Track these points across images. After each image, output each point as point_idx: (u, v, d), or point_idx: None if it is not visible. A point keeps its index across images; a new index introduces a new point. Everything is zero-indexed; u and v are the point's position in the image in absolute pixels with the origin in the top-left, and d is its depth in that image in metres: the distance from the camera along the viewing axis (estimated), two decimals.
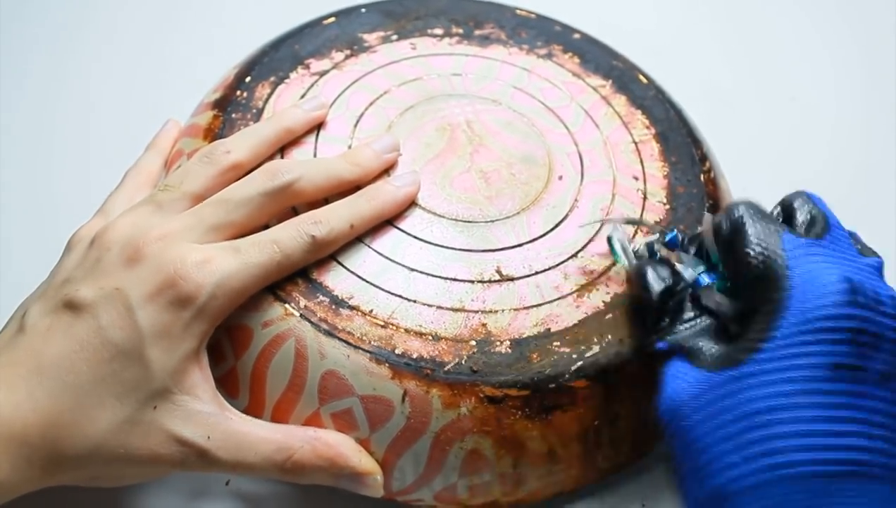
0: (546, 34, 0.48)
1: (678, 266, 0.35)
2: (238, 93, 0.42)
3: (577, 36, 0.48)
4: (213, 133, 0.41)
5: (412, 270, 0.37)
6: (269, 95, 0.42)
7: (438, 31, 0.47)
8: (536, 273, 0.38)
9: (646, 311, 0.35)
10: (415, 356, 0.35)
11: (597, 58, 0.47)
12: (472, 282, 0.37)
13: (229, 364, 0.36)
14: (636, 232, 0.40)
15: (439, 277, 0.37)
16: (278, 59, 0.44)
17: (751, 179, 0.50)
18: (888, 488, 0.30)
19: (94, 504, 0.37)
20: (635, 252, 0.37)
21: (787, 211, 0.35)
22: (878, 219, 0.51)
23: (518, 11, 0.49)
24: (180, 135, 0.42)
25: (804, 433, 0.29)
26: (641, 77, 0.47)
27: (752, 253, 0.32)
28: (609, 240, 0.38)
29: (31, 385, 0.32)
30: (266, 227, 0.36)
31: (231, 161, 0.37)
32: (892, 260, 0.47)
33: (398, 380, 0.35)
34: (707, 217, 0.35)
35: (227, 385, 0.36)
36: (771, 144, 0.54)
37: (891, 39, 0.60)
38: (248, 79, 0.43)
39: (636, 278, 0.36)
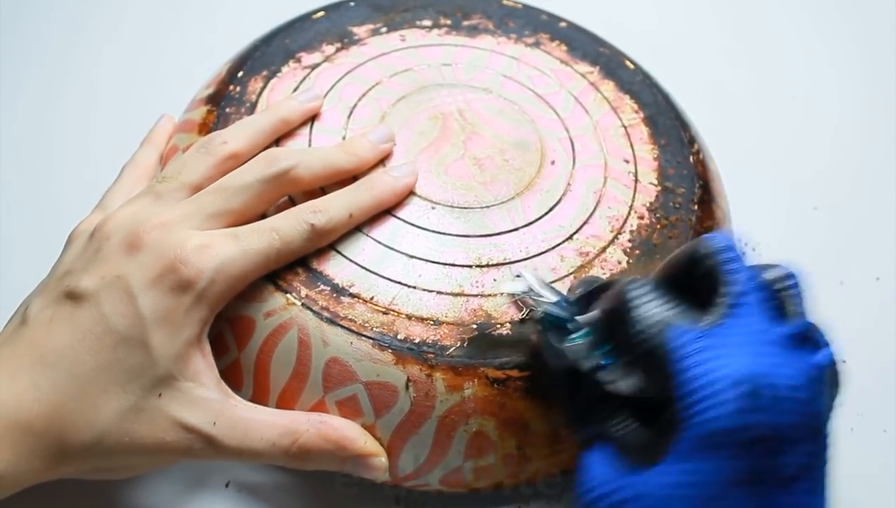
0: (533, 23, 0.49)
1: (574, 348, 0.32)
2: (231, 87, 0.43)
3: (563, 24, 0.49)
4: (208, 128, 0.41)
5: (411, 257, 0.38)
6: (262, 89, 0.43)
7: (427, 22, 0.47)
8: (533, 256, 0.39)
9: (555, 394, 0.34)
10: (417, 340, 0.35)
11: (584, 45, 0.48)
12: (471, 267, 0.38)
13: (233, 356, 0.36)
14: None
15: (438, 263, 0.38)
16: (270, 53, 0.44)
17: (751, 178, 0.51)
18: None
19: (93, 498, 0.37)
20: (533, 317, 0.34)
21: (690, 271, 0.31)
22: (878, 218, 0.51)
23: (504, 2, 0.50)
24: (175, 131, 0.43)
25: None
26: (628, 63, 0.48)
27: (635, 347, 0.30)
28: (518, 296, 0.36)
29: (34, 376, 0.32)
30: (264, 216, 0.37)
31: (228, 151, 0.37)
32: (892, 262, 0.49)
33: (401, 365, 0.35)
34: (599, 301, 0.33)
35: (231, 377, 0.36)
36: (771, 143, 0.54)
37: (891, 39, 0.60)
38: (240, 74, 0.43)
39: (535, 361, 0.34)
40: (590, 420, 0.32)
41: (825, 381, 0.30)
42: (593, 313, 0.33)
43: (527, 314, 0.35)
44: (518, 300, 0.36)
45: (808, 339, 0.30)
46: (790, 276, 0.31)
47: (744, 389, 0.28)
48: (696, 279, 0.31)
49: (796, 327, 0.30)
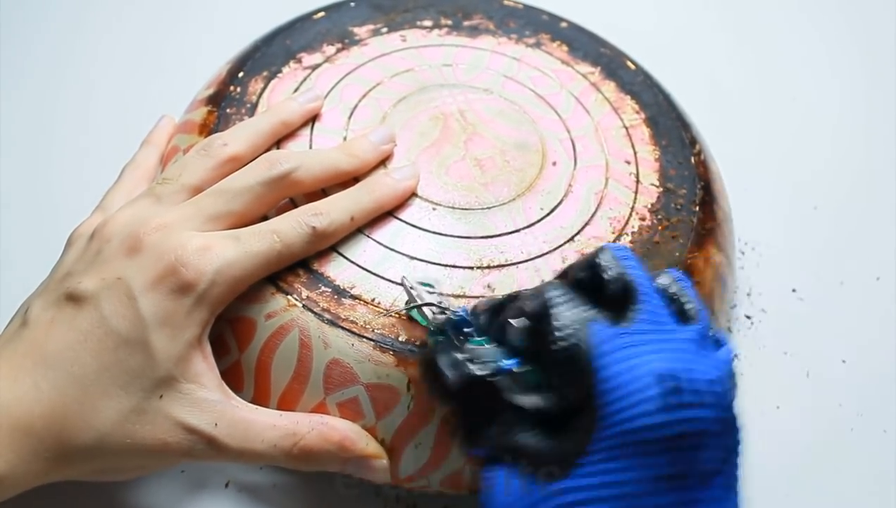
0: (534, 24, 0.48)
1: (476, 352, 0.31)
2: (231, 88, 0.42)
3: (564, 25, 0.49)
4: (209, 129, 0.41)
5: (412, 258, 0.38)
6: (263, 90, 0.42)
7: (427, 22, 0.47)
8: (535, 258, 0.39)
9: (448, 406, 0.32)
10: (419, 342, 0.35)
11: (585, 45, 0.48)
12: (472, 268, 0.38)
13: (233, 357, 0.36)
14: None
15: (439, 264, 0.38)
16: (270, 54, 0.44)
17: (751, 178, 0.51)
18: None
19: (93, 499, 0.37)
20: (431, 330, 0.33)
21: (595, 277, 0.31)
22: (878, 218, 0.51)
23: (505, 2, 0.50)
24: (175, 131, 0.43)
25: None
26: (629, 63, 0.48)
27: (557, 346, 0.29)
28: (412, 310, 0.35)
29: (35, 378, 0.32)
30: (265, 219, 0.36)
31: (228, 153, 0.37)
32: (893, 262, 0.49)
33: (403, 367, 0.35)
34: (513, 306, 0.31)
35: (232, 378, 0.36)
36: (771, 143, 0.54)
37: (891, 39, 0.60)
38: (240, 74, 0.43)
39: (427, 369, 0.32)
40: (487, 435, 0.31)
41: (733, 376, 0.30)
42: (517, 322, 0.31)
43: (430, 322, 0.33)
44: (414, 309, 0.34)
45: (707, 338, 0.31)
46: (682, 279, 0.32)
47: (668, 385, 0.28)
48: (600, 285, 0.31)
49: (700, 327, 0.31)
